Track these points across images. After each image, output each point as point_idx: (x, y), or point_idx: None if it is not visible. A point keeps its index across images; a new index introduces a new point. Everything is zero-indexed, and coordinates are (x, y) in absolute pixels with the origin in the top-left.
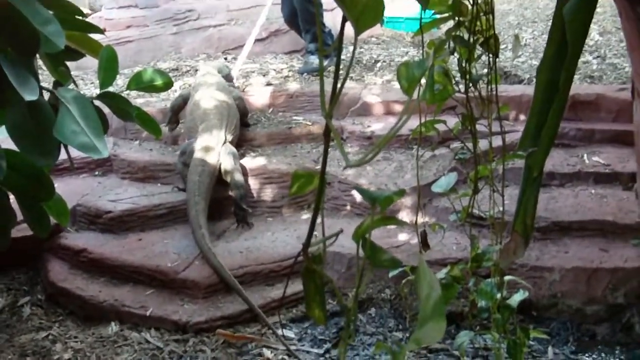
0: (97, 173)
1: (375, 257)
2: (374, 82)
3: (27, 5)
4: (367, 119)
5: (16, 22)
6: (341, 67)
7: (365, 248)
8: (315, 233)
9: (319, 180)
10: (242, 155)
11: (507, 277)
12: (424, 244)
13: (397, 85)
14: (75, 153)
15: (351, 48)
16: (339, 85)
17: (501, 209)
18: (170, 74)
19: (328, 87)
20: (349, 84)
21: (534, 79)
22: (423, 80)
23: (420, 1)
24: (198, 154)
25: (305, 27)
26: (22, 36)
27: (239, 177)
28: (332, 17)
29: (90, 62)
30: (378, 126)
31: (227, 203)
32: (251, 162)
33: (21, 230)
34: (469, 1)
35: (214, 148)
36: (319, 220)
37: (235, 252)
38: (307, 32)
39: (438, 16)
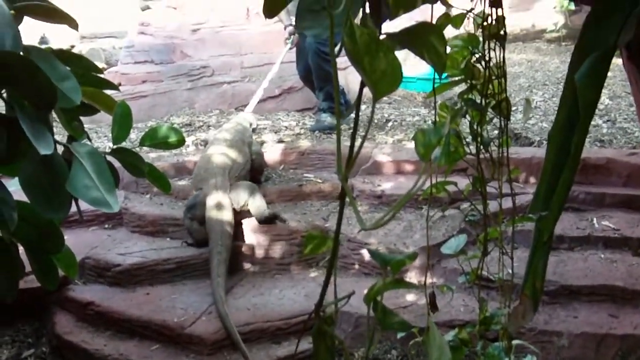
0: (107, 226)
1: (386, 320)
2: (385, 141)
3: (45, 61)
4: (377, 178)
5: (35, 77)
6: (350, 125)
7: (376, 311)
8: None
9: (333, 242)
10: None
11: (515, 341)
12: (433, 305)
13: (408, 144)
14: (85, 205)
15: (362, 107)
16: (356, 146)
17: (510, 271)
18: (183, 129)
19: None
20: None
21: (545, 142)
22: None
23: (436, 68)
24: (212, 212)
25: (319, 85)
26: (40, 91)
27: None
28: (344, 76)
29: (104, 116)
30: (388, 185)
31: (234, 259)
32: None
33: (29, 282)
34: (482, 65)
35: (225, 206)
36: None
37: (243, 308)
38: (320, 89)
39: (451, 79)
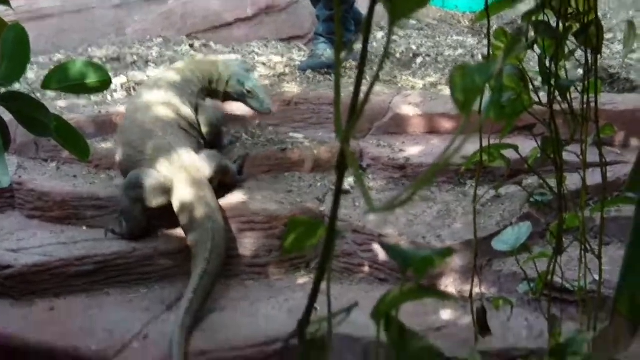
0: None
1: (404, 346)
2: (411, 85)
3: None
4: (399, 140)
5: None
6: (367, 64)
7: (389, 331)
8: (316, 306)
9: (326, 230)
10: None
11: None
12: (481, 326)
13: (446, 91)
14: None
15: (379, 36)
16: (363, 93)
17: (597, 277)
18: (108, 66)
19: (344, 94)
20: (374, 87)
21: None
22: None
23: None
24: (188, 194)
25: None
26: None
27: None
28: None
29: None
30: (415, 150)
31: (181, 259)
32: (225, 198)
33: None
34: None
35: (203, 182)
36: (323, 287)
37: (195, 330)
38: (326, 6)
39: None
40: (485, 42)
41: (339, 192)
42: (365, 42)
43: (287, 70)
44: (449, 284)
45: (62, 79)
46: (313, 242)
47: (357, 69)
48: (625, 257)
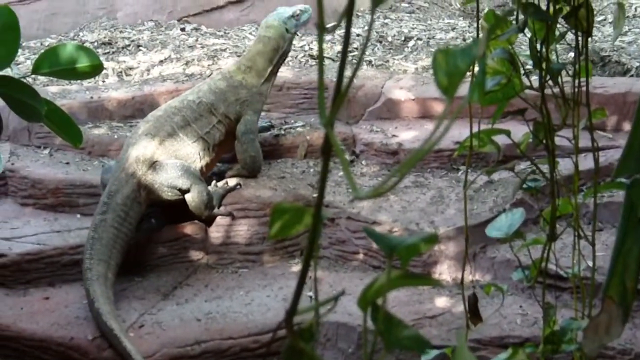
0: None
1: (391, 334)
2: (403, 69)
3: None
4: (392, 125)
5: None
6: (352, 46)
7: (376, 319)
8: (309, 294)
9: (312, 216)
10: (209, 179)
11: None
12: (473, 314)
13: None
14: None
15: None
16: (347, 75)
17: (590, 264)
18: (100, 51)
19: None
20: (365, 72)
21: None
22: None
23: None
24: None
25: None
26: None
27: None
28: None
29: None
30: (408, 136)
31: (176, 245)
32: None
33: None
34: None
35: (147, 159)
36: (319, 274)
37: (190, 320)
38: None
39: None
40: (476, 25)
41: (325, 176)
42: (349, 23)
43: None
44: (444, 272)
45: (52, 63)
46: (299, 228)
47: (341, 52)
48: (616, 242)
